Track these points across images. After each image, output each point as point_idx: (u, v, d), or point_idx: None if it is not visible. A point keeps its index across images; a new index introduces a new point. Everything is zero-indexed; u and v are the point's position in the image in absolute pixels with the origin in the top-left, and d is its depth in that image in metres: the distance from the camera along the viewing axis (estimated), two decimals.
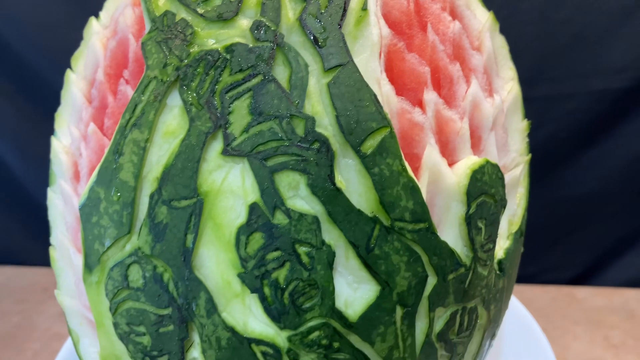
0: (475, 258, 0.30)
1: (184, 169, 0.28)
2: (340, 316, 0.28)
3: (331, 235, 0.27)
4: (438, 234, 0.30)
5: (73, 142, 0.34)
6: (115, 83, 0.33)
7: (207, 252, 0.28)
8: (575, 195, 0.71)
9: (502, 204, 0.32)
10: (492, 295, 0.33)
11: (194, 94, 0.28)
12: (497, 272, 0.33)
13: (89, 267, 0.30)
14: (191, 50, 0.29)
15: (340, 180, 0.27)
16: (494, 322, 0.34)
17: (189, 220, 0.28)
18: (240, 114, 0.27)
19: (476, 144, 0.33)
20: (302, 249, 0.27)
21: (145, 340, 0.29)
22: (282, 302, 0.27)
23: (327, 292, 0.27)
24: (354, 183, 0.27)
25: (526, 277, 0.70)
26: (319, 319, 0.28)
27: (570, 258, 0.74)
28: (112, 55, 0.33)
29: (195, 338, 0.29)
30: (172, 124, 0.28)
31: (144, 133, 0.28)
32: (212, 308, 0.28)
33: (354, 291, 0.28)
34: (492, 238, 0.31)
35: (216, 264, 0.28)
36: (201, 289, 0.28)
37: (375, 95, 0.27)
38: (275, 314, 0.28)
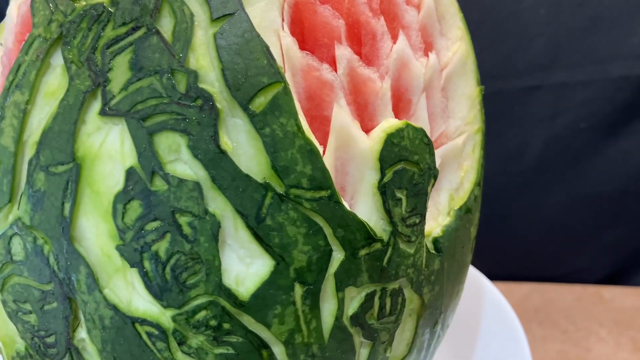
0: (394, 233, 0.27)
1: (61, 132, 0.25)
2: (228, 294, 0.25)
3: (216, 203, 0.24)
4: (351, 205, 0.26)
5: None
6: None
7: (86, 222, 0.25)
8: (603, 192, 0.65)
9: (430, 173, 0.28)
10: (425, 277, 0.29)
11: (75, 51, 0.26)
12: (432, 251, 0.30)
13: None
14: (76, 5, 0.26)
15: (226, 142, 0.24)
16: (433, 307, 0.30)
17: (66, 187, 0.25)
18: (120, 71, 0.25)
19: (405, 108, 0.29)
20: (183, 219, 0.24)
21: (32, 318, 0.27)
22: (164, 278, 0.25)
23: (213, 267, 0.25)
24: (242, 145, 0.25)
25: (551, 279, 0.65)
26: (204, 297, 0.25)
27: (598, 259, 0.68)
28: (21, 21, 0.31)
29: (81, 316, 0.27)
30: (54, 84, 0.26)
31: (25, 94, 0.26)
32: (92, 284, 0.26)
33: (246, 267, 0.25)
34: (417, 211, 0.28)
35: (96, 235, 0.25)
36: (80, 262, 0.25)
37: (267, 47, 0.25)
38: (157, 291, 0.25)
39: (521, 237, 0.68)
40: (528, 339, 0.47)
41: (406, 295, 0.29)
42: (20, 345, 0.29)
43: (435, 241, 0.30)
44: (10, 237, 0.27)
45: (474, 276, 0.49)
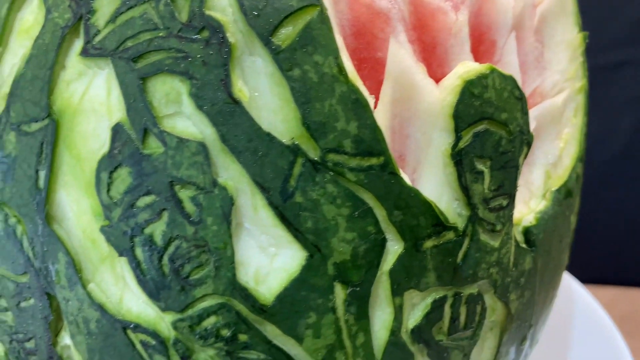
0: (473, 218, 0.20)
1: (35, 80, 0.20)
2: (245, 295, 0.18)
3: (228, 172, 0.18)
4: (413, 180, 0.19)
5: None
6: None
7: (66, 197, 0.20)
8: None
9: (522, 139, 0.21)
10: (513, 280, 0.22)
11: None
12: (522, 245, 0.22)
13: None
14: None
15: (240, 89, 0.18)
16: (521, 319, 0.23)
17: (40, 150, 0.20)
18: None
19: (487, 53, 0.22)
20: (184, 193, 0.18)
21: (9, 317, 0.22)
22: (161, 271, 0.19)
23: (224, 258, 0.18)
24: (263, 93, 0.18)
25: (608, 281, 0.57)
26: (213, 298, 0.19)
27: None
28: None
29: (65, 319, 0.21)
30: (29, 19, 0.20)
31: None
32: (74, 276, 0.20)
33: (269, 259, 0.19)
34: (504, 190, 0.21)
35: (77, 214, 0.20)
36: (59, 249, 0.20)
37: None
38: (153, 288, 0.19)
39: (605, 235, 0.60)
40: None
41: (487, 303, 0.21)
42: (2, 351, 0.23)
43: (527, 232, 0.22)
44: None
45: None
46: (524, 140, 0.21)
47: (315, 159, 0.18)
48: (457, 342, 0.21)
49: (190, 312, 0.19)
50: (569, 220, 0.25)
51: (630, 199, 0.59)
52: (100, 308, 0.20)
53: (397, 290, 0.19)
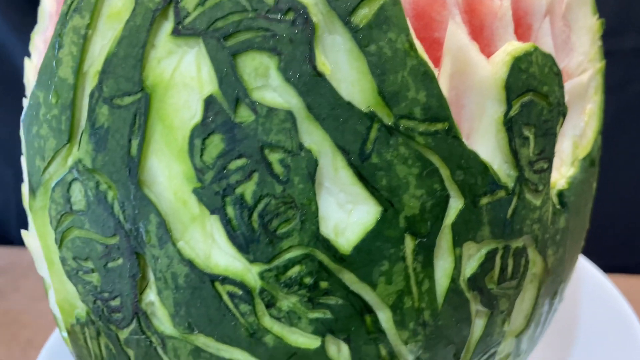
0: (520, 179, 0.22)
1: (127, 58, 0.22)
2: (327, 246, 0.21)
3: (312, 137, 0.20)
4: (466, 142, 0.22)
5: (39, 56, 0.29)
6: None
7: (157, 163, 0.22)
8: None
9: (559, 110, 0.24)
10: (550, 237, 0.25)
11: None
12: (557, 206, 0.25)
13: (32, 190, 0.25)
14: None
15: (323, 63, 0.20)
16: (555, 274, 0.26)
17: (133, 121, 0.22)
18: None
19: (524, 35, 0.25)
20: (273, 156, 0.20)
21: (95, 278, 0.24)
22: (250, 226, 0.21)
23: (309, 213, 0.21)
24: (343, 67, 0.20)
25: (628, 269, 0.57)
26: (299, 249, 0.21)
27: None
28: None
29: (151, 276, 0.23)
30: (117, 4, 0.22)
31: (85, 18, 0.23)
32: (164, 235, 0.22)
33: (347, 214, 0.21)
34: (545, 155, 0.23)
35: (168, 178, 0.22)
36: (150, 210, 0.22)
37: None
38: (242, 242, 0.21)
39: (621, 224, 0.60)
40: None
41: (530, 257, 0.24)
42: (81, 310, 0.25)
43: (561, 195, 0.25)
44: (70, 183, 0.23)
45: None
46: (560, 111, 0.24)
47: (389, 124, 0.20)
48: (504, 291, 0.24)
49: (276, 262, 0.21)
50: (592, 186, 0.28)
51: (617, 185, 0.59)
52: (190, 263, 0.22)
53: (457, 241, 0.22)
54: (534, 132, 0.23)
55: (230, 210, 0.21)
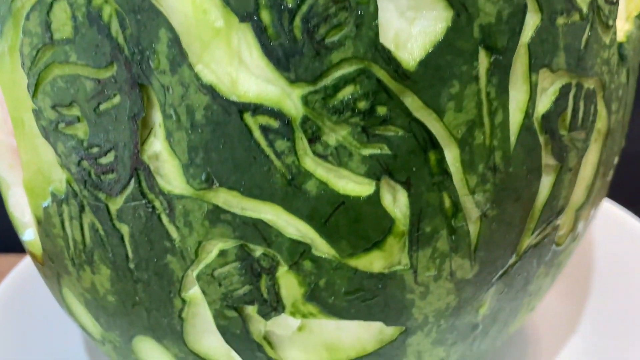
0: (594, 5, 0.19)
1: None
2: (388, 59, 0.17)
3: None
4: None
5: None
6: None
7: None
8: None
9: None
10: (615, 88, 0.22)
11: None
12: (619, 56, 0.22)
13: None
14: None
15: None
16: (613, 139, 0.23)
17: None
18: None
19: None
20: None
21: (81, 130, 0.19)
22: (292, 35, 0.17)
23: (367, 15, 0.17)
24: None
25: None
26: (353, 64, 0.17)
27: None
28: None
29: (156, 118, 0.18)
30: None
31: None
32: (178, 55, 0.17)
33: (408, 24, 0.17)
34: None
35: None
36: (160, 24, 0.17)
37: None
38: (281, 56, 0.17)
39: None
40: None
41: (597, 106, 0.21)
42: (59, 182, 0.20)
43: (620, 46, 0.22)
44: (51, 5, 0.18)
45: None
46: None
47: None
48: (573, 142, 0.20)
49: (324, 81, 0.17)
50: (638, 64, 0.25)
51: None
52: (212, 90, 0.17)
53: (534, 65, 0.18)
54: None
55: (266, 15, 0.17)
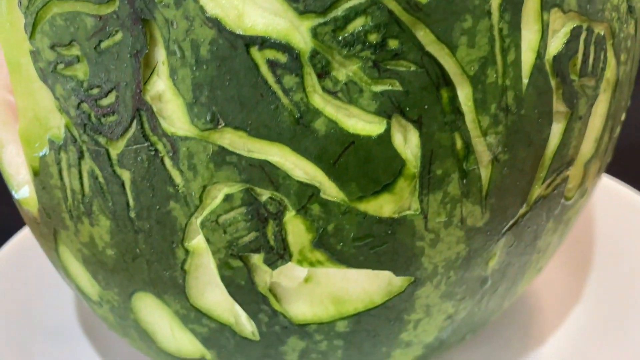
0: None
1: None
2: None
3: None
4: None
5: None
6: None
7: None
8: None
9: None
10: (624, 37, 0.21)
11: None
12: (627, 7, 0.22)
13: None
14: None
15: None
16: (621, 91, 0.22)
17: None
18: None
19: None
20: None
21: (81, 71, 0.18)
22: None
23: None
24: None
25: None
26: None
27: None
28: None
29: (159, 55, 0.18)
30: None
31: None
32: None
33: None
34: None
35: None
36: None
37: None
38: None
39: None
40: None
41: (607, 53, 0.21)
42: (57, 128, 0.19)
43: None
44: None
45: None
46: None
47: None
48: (584, 89, 0.20)
49: (334, 13, 0.16)
50: None
51: None
52: (217, 23, 0.17)
53: (545, 3, 0.18)
54: None
55: None
